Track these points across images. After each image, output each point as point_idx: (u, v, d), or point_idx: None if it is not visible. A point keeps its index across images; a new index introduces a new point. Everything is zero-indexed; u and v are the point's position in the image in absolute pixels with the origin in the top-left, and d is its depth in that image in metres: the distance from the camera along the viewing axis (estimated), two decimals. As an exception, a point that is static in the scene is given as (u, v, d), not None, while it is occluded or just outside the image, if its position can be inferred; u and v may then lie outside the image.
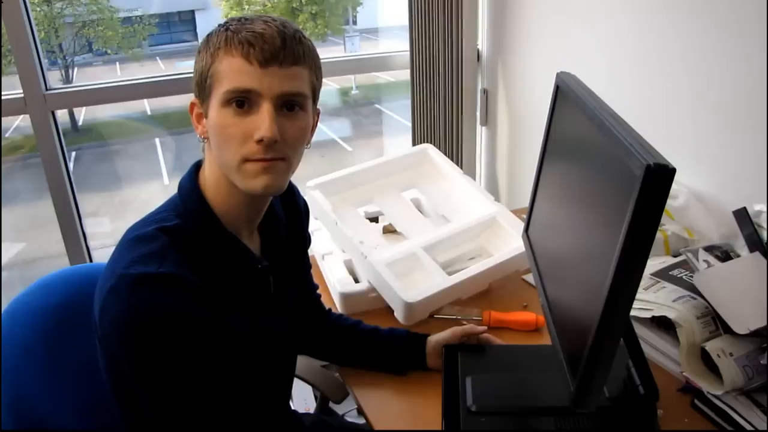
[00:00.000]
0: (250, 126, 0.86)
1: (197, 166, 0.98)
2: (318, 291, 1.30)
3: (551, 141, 1.09)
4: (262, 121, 0.86)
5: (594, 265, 0.76)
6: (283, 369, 1.13)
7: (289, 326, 1.10)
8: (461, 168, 2.18)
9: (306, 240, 1.21)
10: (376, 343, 1.23)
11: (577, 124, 0.92)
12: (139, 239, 0.88)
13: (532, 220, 1.17)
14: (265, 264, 1.00)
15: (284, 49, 0.86)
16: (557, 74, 1.05)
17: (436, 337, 1.21)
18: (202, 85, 0.89)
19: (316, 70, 0.93)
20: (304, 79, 0.90)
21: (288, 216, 1.12)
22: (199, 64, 0.89)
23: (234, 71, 0.85)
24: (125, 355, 0.83)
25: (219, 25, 0.90)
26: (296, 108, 0.90)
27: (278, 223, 1.07)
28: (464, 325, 1.24)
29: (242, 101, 0.86)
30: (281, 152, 0.89)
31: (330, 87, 6.44)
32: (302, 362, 1.22)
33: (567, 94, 0.99)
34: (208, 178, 0.95)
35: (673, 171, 0.61)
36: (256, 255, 1.01)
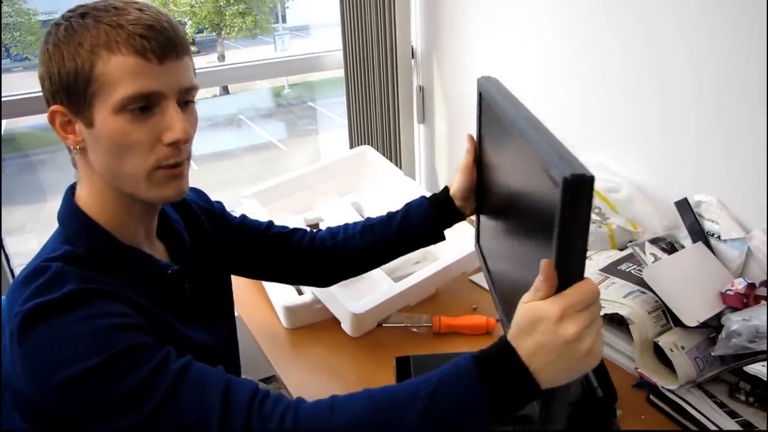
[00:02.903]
0: (156, 129, 0.78)
1: (72, 190, 0.88)
2: (279, 224, 1.17)
3: (483, 149, 1.05)
4: (173, 122, 0.78)
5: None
6: None
7: (219, 335, 1.00)
8: (400, 167, 2.16)
9: (214, 216, 1.08)
10: (402, 236, 1.12)
11: (499, 133, 0.89)
12: (27, 278, 0.77)
13: (481, 229, 1.13)
14: (174, 268, 0.91)
15: (176, 39, 0.78)
16: (478, 80, 1.01)
17: (456, 185, 1.09)
18: (74, 90, 0.77)
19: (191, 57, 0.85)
20: (192, 69, 0.84)
21: (181, 214, 1.01)
22: (65, 66, 0.76)
23: (130, 73, 0.75)
24: (56, 402, 0.71)
25: (69, 17, 0.78)
26: (188, 102, 0.83)
27: (177, 224, 0.98)
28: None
29: (144, 105, 0.77)
30: (188, 152, 0.83)
31: (262, 88, 6.31)
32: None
33: (488, 102, 0.95)
34: (88, 195, 0.86)
35: (591, 179, 0.60)
36: (162, 261, 0.91)
